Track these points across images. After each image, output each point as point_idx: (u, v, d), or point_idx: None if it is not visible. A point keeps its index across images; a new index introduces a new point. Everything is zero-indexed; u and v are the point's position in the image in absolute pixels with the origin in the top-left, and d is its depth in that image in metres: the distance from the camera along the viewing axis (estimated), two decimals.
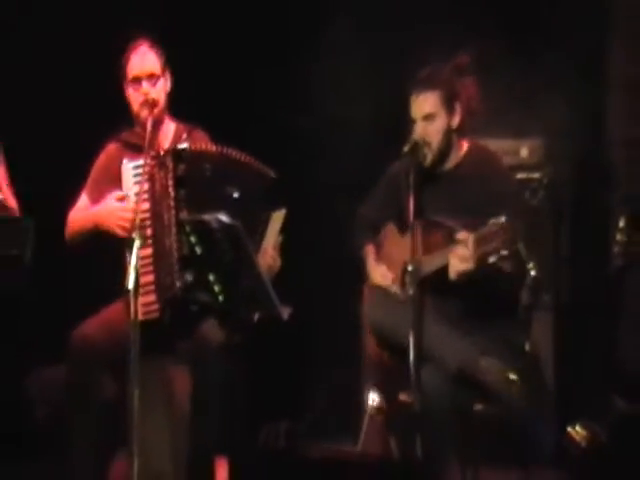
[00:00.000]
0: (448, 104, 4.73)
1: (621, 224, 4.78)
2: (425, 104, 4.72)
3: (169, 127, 5.07)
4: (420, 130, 4.71)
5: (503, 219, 4.27)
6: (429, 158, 4.71)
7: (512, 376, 4.43)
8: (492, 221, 4.28)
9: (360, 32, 5.81)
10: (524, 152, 5.57)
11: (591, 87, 5.71)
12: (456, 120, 4.75)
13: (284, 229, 4.83)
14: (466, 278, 4.41)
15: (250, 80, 6.10)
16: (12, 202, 5.10)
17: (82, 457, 4.73)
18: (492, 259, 4.33)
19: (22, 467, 4.61)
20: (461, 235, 4.41)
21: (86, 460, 4.72)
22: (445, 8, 5.72)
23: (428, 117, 4.71)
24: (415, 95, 4.74)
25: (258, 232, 4.76)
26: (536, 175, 5.45)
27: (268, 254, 4.76)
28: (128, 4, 5.96)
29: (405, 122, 4.77)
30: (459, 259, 4.39)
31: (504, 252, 4.32)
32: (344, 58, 5.82)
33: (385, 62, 5.55)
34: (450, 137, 4.77)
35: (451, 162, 4.79)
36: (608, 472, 3.84)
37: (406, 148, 4.63)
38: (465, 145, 4.83)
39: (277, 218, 4.82)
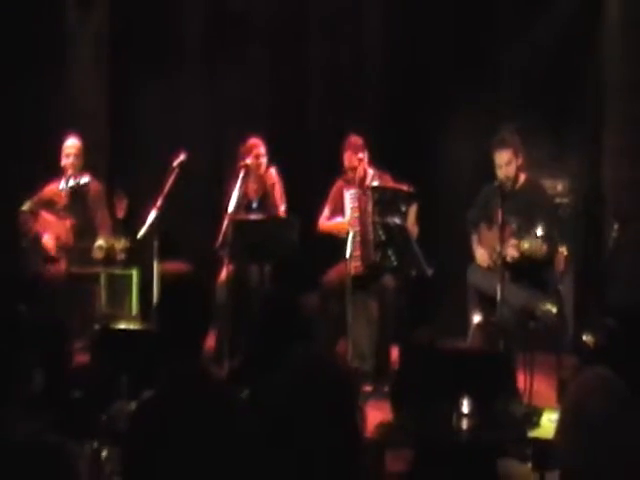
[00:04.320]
0: (515, 155, 4.63)
1: (615, 226, 4.62)
2: (505, 157, 4.62)
3: (370, 172, 5.06)
4: (503, 171, 4.62)
5: (539, 231, 4.27)
6: (509, 185, 4.60)
7: (552, 308, 4.44)
8: (532, 232, 4.29)
9: (471, 121, 5.44)
10: (559, 187, 5.26)
11: (595, 153, 5.40)
12: (519, 162, 4.64)
13: (418, 215, 4.80)
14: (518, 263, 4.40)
15: (413, 148, 5.70)
16: (285, 210, 5.16)
17: (325, 339, 4.70)
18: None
19: None
20: (512, 241, 4.41)
21: (328, 341, 4.69)
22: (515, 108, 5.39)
23: (508, 163, 4.62)
24: (498, 152, 4.64)
25: (405, 218, 4.69)
26: (565, 200, 5.19)
27: (412, 228, 4.71)
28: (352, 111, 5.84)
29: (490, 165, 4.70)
30: (510, 257, 4.42)
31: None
32: (465, 134, 5.52)
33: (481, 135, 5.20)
34: (517, 172, 4.66)
35: (517, 185, 4.68)
36: (605, 360, 3.74)
37: (497, 183, 4.57)
38: (523, 177, 4.71)
39: (412, 209, 4.77)
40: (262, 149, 5.18)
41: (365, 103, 5.86)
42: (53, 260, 5.14)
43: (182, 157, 4.94)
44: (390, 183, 5.00)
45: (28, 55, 5.77)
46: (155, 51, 5.98)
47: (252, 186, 5.23)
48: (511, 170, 4.65)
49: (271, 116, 5.88)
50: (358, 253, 4.89)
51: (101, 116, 6.05)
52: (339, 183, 5.18)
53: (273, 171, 5.24)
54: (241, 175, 4.91)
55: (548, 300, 4.48)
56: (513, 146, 4.64)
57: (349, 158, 5.01)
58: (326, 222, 5.18)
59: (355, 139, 5.04)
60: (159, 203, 4.78)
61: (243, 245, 4.68)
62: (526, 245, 4.32)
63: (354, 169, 5.00)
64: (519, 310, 4.47)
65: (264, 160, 5.19)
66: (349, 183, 5.09)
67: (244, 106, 5.89)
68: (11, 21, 5.77)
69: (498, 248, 4.37)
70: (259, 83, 5.98)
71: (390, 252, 4.66)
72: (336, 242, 4.90)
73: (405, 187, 4.79)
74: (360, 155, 5.00)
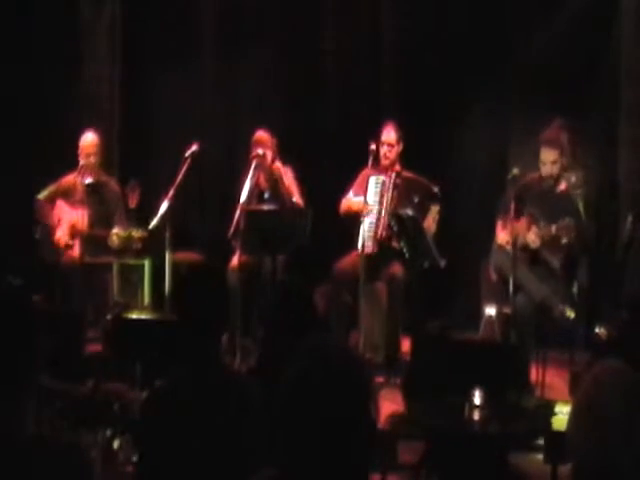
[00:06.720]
0: (562, 155, 4.65)
1: (629, 218, 4.59)
2: (551, 156, 4.62)
3: (397, 166, 5.07)
4: (548, 168, 4.63)
5: (567, 220, 4.35)
6: (549, 183, 4.65)
7: (570, 314, 4.44)
8: (563, 221, 4.35)
9: (484, 110, 5.53)
10: (573, 178, 5.09)
11: (609, 144, 5.36)
12: (564, 161, 4.67)
13: (440, 216, 4.81)
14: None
15: (428, 141, 5.59)
16: (299, 200, 5.12)
17: (337, 330, 4.79)
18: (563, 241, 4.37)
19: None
20: (534, 229, 4.46)
21: (340, 332, 4.79)
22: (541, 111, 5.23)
23: (553, 162, 4.62)
24: (546, 149, 4.63)
25: (423, 214, 4.73)
26: (578, 191, 5.05)
27: (430, 225, 4.75)
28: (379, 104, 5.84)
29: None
30: (532, 242, 4.48)
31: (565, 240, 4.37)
32: (479, 124, 5.52)
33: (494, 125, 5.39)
34: (561, 173, 4.69)
35: (557, 189, 4.72)
36: (618, 352, 3.71)
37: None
38: (564, 185, 4.74)
39: (434, 209, 4.82)
40: (268, 143, 5.15)
41: (381, 95, 5.89)
42: (67, 246, 5.16)
43: (194, 148, 4.98)
44: (408, 175, 5.01)
45: (43, 49, 5.84)
46: (169, 44, 5.99)
47: (263, 177, 5.21)
48: (555, 169, 4.66)
49: (285, 108, 5.88)
50: (372, 234, 4.92)
51: (115, 108, 6.09)
52: (366, 170, 5.13)
53: (279, 164, 5.21)
54: (253, 166, 4.93)
55: (567, 303, 4.47)
56: (561, 146, 4.65)
57: (388, 133, 5.02)
58: (347, 201, 5.14)
59: (396, 124, 5.07)
60: (171, 194, 4.82)
61: (255, 235, 4.70)
62: (553, 229, 4.33)
63: (390, 145, 4.99)
64: (536, 304, 4.46)
65: (269, 154, 5.17)
66: (375, 170, 5.08)
67: (258, 97, 5.91)
68: (26, 16, 5.85)
69: (521, 235, 4.38)
70: (273, 75, 5.99)
71: (402, 243, 4.66)
72: (349, 231, 4.91)
73: (431, 186, 4.84)
74: (394, 141, 5.00)
